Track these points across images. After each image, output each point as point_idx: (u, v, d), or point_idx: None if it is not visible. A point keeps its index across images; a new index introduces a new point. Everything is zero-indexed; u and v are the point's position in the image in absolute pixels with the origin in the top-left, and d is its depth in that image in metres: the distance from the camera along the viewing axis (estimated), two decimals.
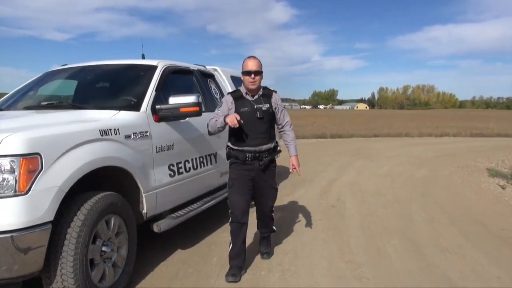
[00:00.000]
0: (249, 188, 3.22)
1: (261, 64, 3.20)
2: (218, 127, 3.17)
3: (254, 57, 3.21)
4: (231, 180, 3.23)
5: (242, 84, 3.25)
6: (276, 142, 3.37)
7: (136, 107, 3.34)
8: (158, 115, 3.41)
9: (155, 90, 3.53)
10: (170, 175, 3.53)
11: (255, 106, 3.16)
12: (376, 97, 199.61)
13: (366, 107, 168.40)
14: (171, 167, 3.56)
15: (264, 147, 3.21)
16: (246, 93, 3.21)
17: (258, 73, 3.14)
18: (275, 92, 3.31)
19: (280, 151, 3.40)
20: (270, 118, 3.23)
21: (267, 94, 3.25)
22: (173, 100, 3.42)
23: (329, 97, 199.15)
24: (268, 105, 3.20)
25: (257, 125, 3.16)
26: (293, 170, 3.33)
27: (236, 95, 3.24)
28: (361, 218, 5.19)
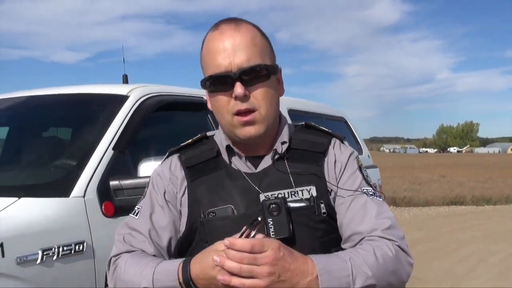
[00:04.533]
0: None
1: (265, 43, 1.60)
2: None
3: (236, 21, 1.58)
4: None
5: (219, 126, 1.69)
6: None
7: (60, 186, 2.60)
8: (114, 202, 2.66)
9: (115, 148, 2.78)
10: None
11: (263, 197, 1.55)
12: None
13: None
14: None
15: None
16: (229, 148, 1.65)
17: (256, 72, 1.52)
18: (341, 139, 1.70)
19: None
20: (325, 233, 1.58)
21: (308, 146, 1.65)
22: (149, 167, 2.68)
23: (466, 135, 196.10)
24: (312, 189, 1.57)
25: None
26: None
27: (193, 158, 1.67)
28: None
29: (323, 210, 1.51)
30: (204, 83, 1.54)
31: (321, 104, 6.14)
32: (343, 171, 1.59)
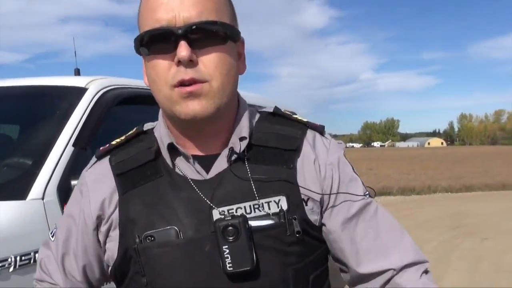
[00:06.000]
0: None
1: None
2: None
3: None
4: None
5: (160, 114, 1.20)
6: None
7: (16, 188, 2.21)
8: None
9: (75, 144, 2.39)
10: None
11: (217, 214, 1.07)
12: (456, 129, 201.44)
13: (442, 143, 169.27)
14: None
15: None
16: (172, 147, 1.13)
17: (209, 32, 1.03)
18: (320, 131, 1.21)
19: None
20: (300, 257, 1.10)
21: (275, 142, 1.14)
22: None
23: (388, 131, 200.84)
24: (282, 200, 1.08)
25: None
26: None
27: (125, 161, 1.16)
28: None
29: (297, 228, 1.06)
30: (138, 45, 1.07)
31: (267, 97, 5.24)
32: (339, 176, 1.14)
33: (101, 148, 1.22)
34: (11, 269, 1.84)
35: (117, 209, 1.11)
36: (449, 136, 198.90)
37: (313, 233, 1.11)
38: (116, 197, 1.12)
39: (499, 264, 7.18)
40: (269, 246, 1.04)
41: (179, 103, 1.02)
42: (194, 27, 1.00)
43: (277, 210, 1.06)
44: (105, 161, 1.17)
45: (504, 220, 10.94)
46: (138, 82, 3.10)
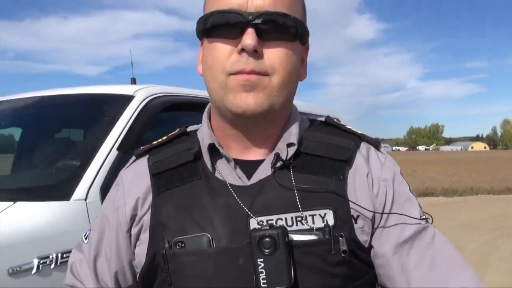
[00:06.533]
0: None
1: None
2: None
3: None
4: None
5: (206, 112, 1.05)
6: None
7: (61, 189, 2.12)
8: None
9: (119, 148, 2.32)
10: None
11: (255, 223, 0.90)
12: (499, 133, 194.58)
13: (485, 147, 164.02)
14: None
15: None
16: (213, 148, 0.98)
17: (280, 25, 0.89)
18: (375, 145, 1.03)
19: None
20: (346, 280, 0.90)
21: (324, 151, 0.97)
22: None
23: (432, 135, 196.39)
24: (328, 214, 0.90)
25: None
26: None
27: (163, 161, 1.02)
28: None
29: (343, 247, 0.88)
30: (201, 28, 0.92)
31: (312, 104, 4.98)
32: (393, 194, 0.96)
33: (141, 147, 1.09)
34: (52, 265, 1.79)
35: (150, 210, 0.97)
36: (492, 141, 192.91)
37: (362, 255, 0.92)
38: (149, 198, 0.98)
39: None
40: (310, 265, 0.87)
41: (233, 92, 0.87)
42: (266, 16, 0.87)
43: (322, 225, 0.89)
44: (144, 160, 1.05)
45: None
46: (183, 90, 3.04)
